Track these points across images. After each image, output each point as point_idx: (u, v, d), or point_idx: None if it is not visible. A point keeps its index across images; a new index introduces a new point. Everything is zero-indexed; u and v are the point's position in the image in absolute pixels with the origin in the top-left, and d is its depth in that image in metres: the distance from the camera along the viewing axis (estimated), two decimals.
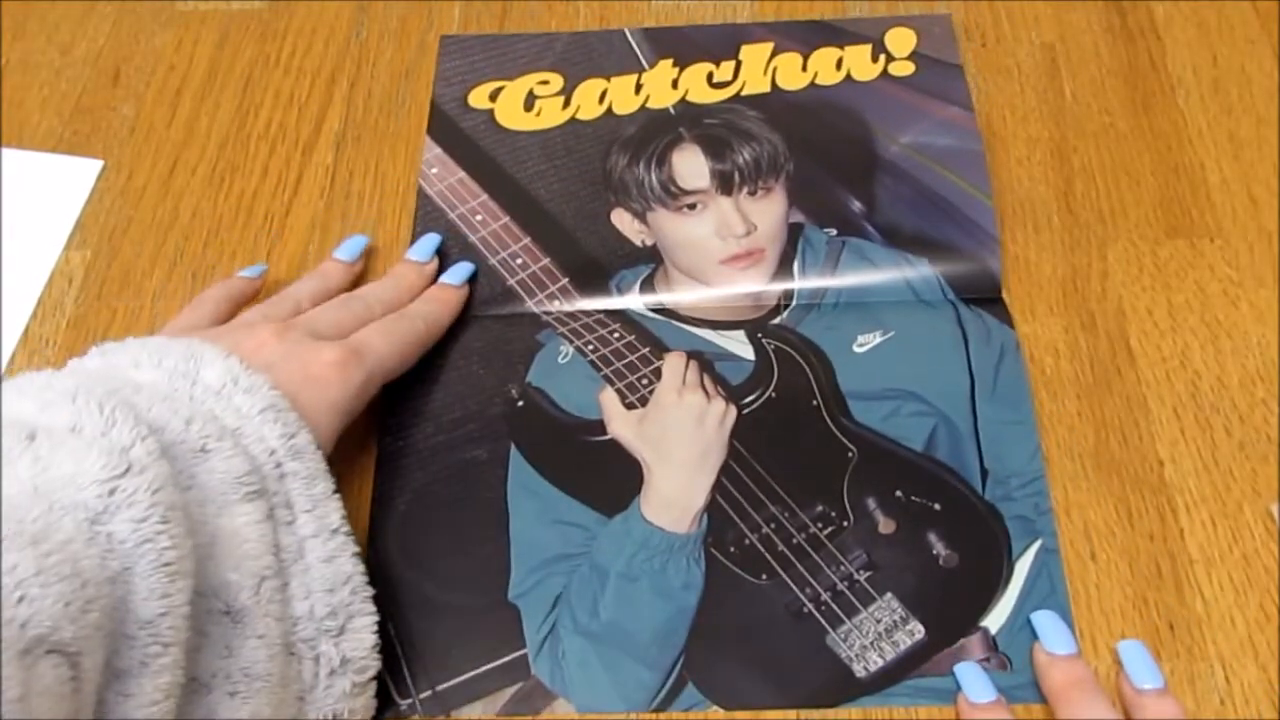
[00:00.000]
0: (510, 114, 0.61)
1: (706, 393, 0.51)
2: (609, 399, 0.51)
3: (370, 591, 0.42)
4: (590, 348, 0.52)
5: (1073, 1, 0.66)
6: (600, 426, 0.50)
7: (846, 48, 0.62)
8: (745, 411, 0.51)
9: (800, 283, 0.54)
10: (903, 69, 0.61)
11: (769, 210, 0.56)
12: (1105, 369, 0.52)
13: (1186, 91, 0.61)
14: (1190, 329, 0.53)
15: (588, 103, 0.61)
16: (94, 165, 0.61)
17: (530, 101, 0.61)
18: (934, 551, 0.47)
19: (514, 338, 0.53)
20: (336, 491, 0.42)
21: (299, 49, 0.66)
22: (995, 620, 0.45)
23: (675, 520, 0.48)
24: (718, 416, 0.50)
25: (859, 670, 0.44)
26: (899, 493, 0.48)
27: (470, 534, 0.48)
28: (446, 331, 0.53)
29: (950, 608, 0.45)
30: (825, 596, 0.46)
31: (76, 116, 0.63)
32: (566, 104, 0.61)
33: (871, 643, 0.45)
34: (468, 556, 0.47)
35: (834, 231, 0.55)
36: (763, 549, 0.47)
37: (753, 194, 0.56)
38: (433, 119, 0.61)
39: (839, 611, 0.45)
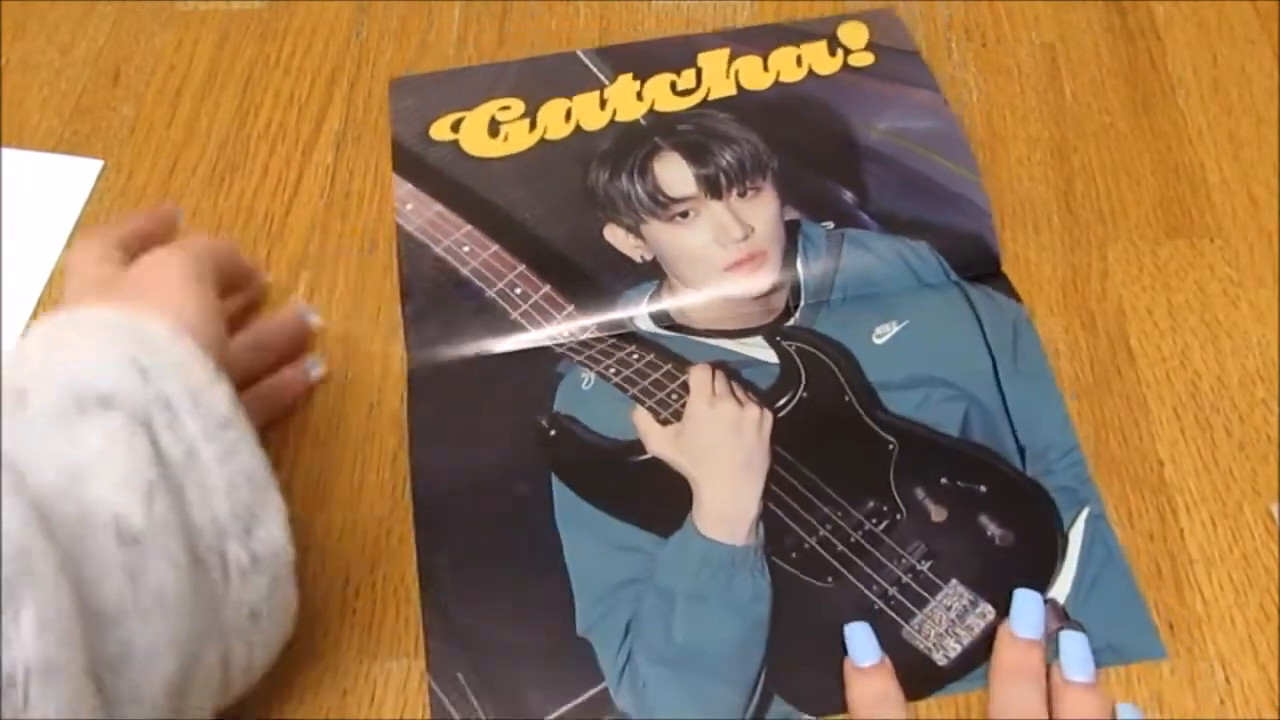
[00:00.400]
0: (476, 142, 0.59)
1: (738, 400, 0.50)
2: (642, 417, 0.50)
3: (275, 483, 0.39)
4: (612, 371, 0.52)
5: (1073, 1, 0.66)
6: (639, 446, 0.50)
7: (803, 45, 0.62)
8: (780, 415, 0.50)
9: (806, 276, 0.54)
10: (863, 60, 0.62)
11: (762, 210, 0.55)
12: (1105, 369, 0.52)
13: (1186, 91, 0.61)
14: (1190, 329, 0.53)
15: (554, 122, 0.60)
16: (94, 165, 0.61)
17: (494, 128, 0.60)
18: (988, 533, 0.47)
19: (532, 375, 0.52)
20: (219, 376, 0.39)
21: (299, 49, 0.66)
22: (1060, 590, 0.46)
23: (731, 532, 0.47)
24: (754, 422, 0.50)
25: (940, 659, 0.44)
26: (944, 479, 0.48)
27: (527, 573, 0.46)
28: (463, 378, 0.52)
29: (1015, 585, 0.45)
30: (892, 591, 0.46)
31: (76, 116, 0.63)
32: (533, 126, 0.60)
33: (946, 630, 0.45)
34: (529, 596, 0.46)
35: (831, 225, 0.55)
36: (823, 551, 0.47)
37: (743, 195, 0.56)
38: (397, 156, 0.59)
39: (908, 604, 0.45)
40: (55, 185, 0.60)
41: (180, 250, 0.44)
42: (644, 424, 0.50)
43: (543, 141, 0.59)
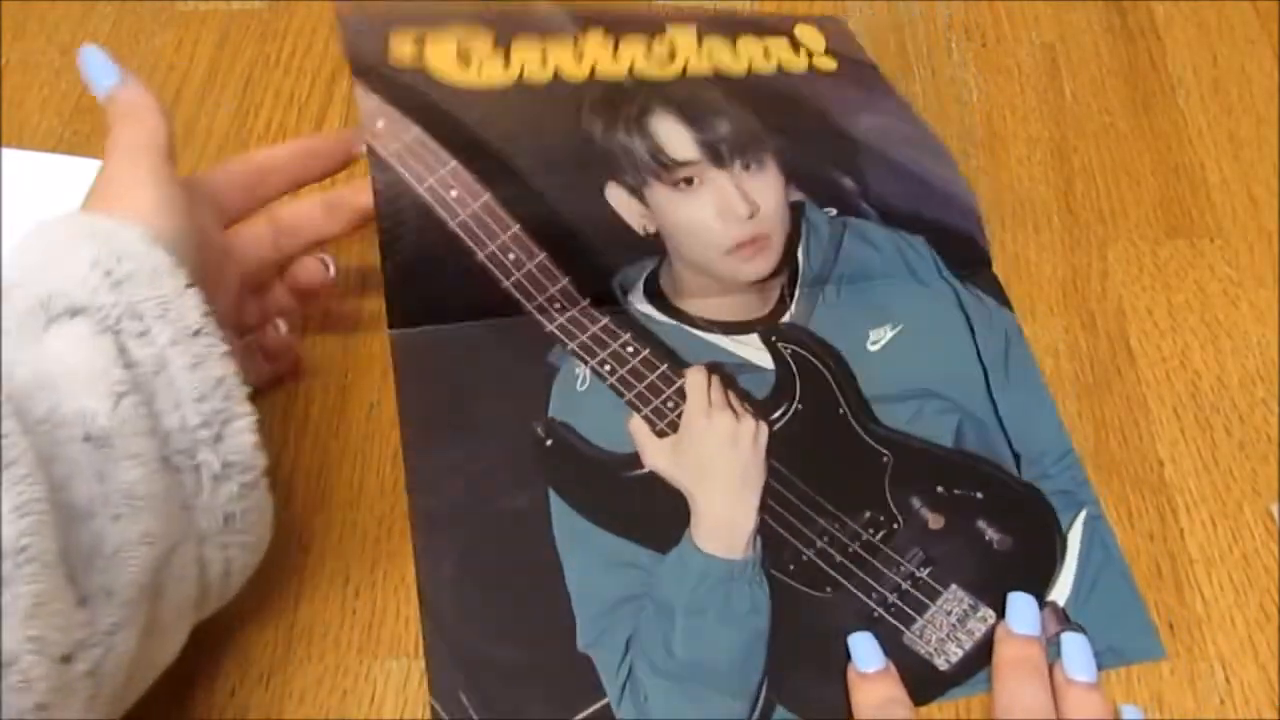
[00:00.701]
0: (445, 66, 0.52)
1: (735, 411, 0.50)
2: (639, 428, 0.50)
3: (246, 390, 0.40)
4: (607, 368, 0.51)
5: (1073, 1, 0.66)
6: (635, 460, 0.49)
7: (766, 38, 0.58)
8: (776, 428, 0.50)
9: (805, 265, 0.53)
10: (826, 64, 0.59)
11: (768, 188, 0.54)
12: (1105, 369, 0.52)
13: (1186, 91, 0.61)
14: (1190, 329, 0.53)
15: (531, 62, 0.53)
16: (94, 165, 0.61)
17: (465, 55, 0.53)
18: (986, 538, 0.47)
19: (523, 362, 0.51)
20: (191, 286, 0.39)
21: (299, 49, 0.66)
22: (1060, 593, 0.46)
23: (729, 546, 0.47)
24: (750, 435, 0.50)
25: (941, 664, 0.44)
26: (940, 488, 0.48)
27: (527, 589, 0.46)
28: (452, 357, 0.51)
29: (1015, 589, 0.45)
30: (892, 598, 0.46)
31: (76, 116, 0.63)
32: (507, 62, 0.53)
33: (948, 635, 0.45)
34: (529, 614, 0.45)
35: (834, 212, 0.54)
36: (821, 562, 0.47)
37: (747, 167, 0.53)
38: (356, 66, 0.52)
39: (909, 610, 0.46)
40: (55, 185, 0.60)
41: (138, 149, 0.45)
42: (640, 435, 0.50)
43: (522, 82, 0.53)
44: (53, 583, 0.33)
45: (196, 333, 0.39)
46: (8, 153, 0.61)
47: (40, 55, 0.66)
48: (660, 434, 0.50)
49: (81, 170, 0.61)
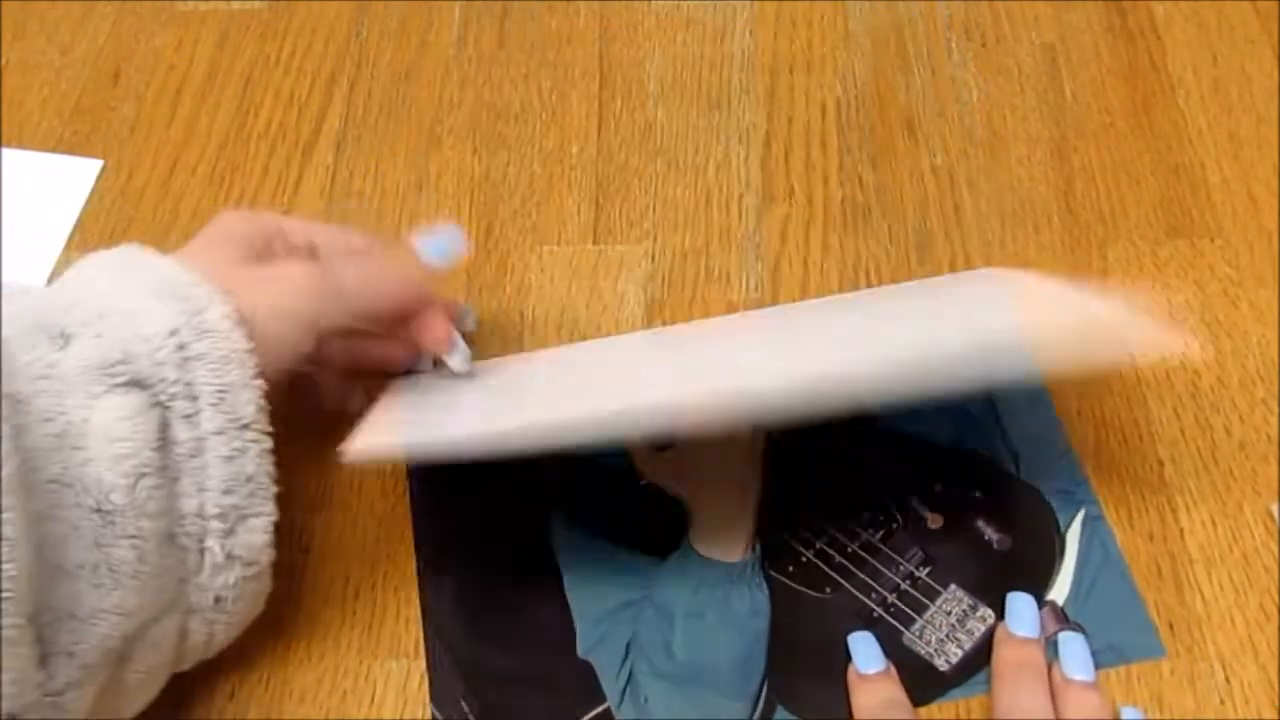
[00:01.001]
0: None
1: None
2: (637, 445, 0.50)
3: (273, 490, 0.40)
4: None
5: (1073, 1, 0.66)
6: (634, 473, 0.50)
7: None
8: (772, 436, 0.50)
9: None
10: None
11: None
12: (1105, 369, 0.52)
13: (1186, 91, 0.61)
14: (1190, 329, 0.53)
15: None
16: (94, 165, 0.61)
17: None
18: (985, 537, 0.47)
19: None
20: (258, 378, 0.39)
21: (299, 49, 0.66)
22: (1059, 592, 0.46)
23: (728, 549, 0.47)
24: (747, 444, 0.50)
25: (941, 664, 0.44)
26: (939, 486, 0.48)
27: (527, 600, 0.47)
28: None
29: (1014, 588, 0.45)
30: (892, 598, 0.46)
31: (76, 116, 0.63)
32: None
33: (947, 635, 0.45)
34: (529, 622, 0.46)
35: None
36: (820, 563, 0.47)
37: None
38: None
39: (908, 610, 0.46)
40: (55, 185, 0.60)
41: (336, 302, 0.42)
42: (639, 451, 0.50)
43: None
44: (16, 648, 0.33)
45: (245, 426, 0.39)
46: (8, 153, 0.61)
47: (40, 55, 0.66)
48: (659, 448, 0.50)
49: (81, 170, 0.61)
